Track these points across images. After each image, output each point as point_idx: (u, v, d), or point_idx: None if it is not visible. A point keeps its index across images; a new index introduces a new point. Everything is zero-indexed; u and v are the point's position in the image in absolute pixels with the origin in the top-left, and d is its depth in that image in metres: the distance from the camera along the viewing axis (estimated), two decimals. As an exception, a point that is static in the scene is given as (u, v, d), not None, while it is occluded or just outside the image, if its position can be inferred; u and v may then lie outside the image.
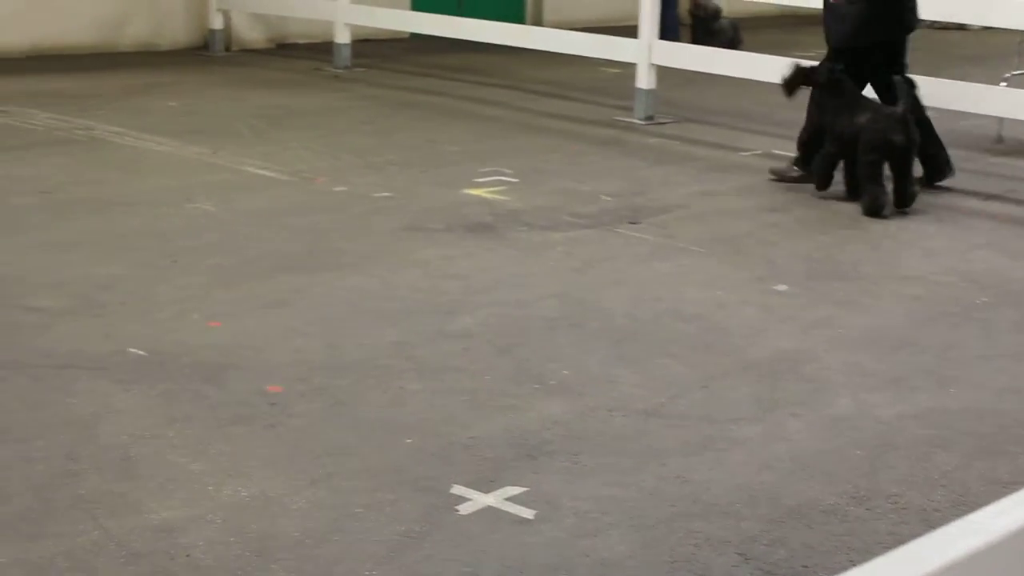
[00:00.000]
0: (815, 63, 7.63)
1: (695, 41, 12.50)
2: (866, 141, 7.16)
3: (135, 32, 13.06)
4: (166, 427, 4.22)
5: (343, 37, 12.14)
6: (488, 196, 7.44)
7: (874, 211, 7.17)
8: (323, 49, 12.70)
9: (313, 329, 5.18)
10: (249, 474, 3.91)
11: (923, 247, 6.70)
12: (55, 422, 4.22)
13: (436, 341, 5.09)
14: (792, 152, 7.98)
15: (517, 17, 15.30)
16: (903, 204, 7.26)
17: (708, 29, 13.39)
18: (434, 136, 9.19)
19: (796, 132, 7.89)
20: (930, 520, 3.78)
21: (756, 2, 13.19)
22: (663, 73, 9.86)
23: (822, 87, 7.52)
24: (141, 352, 4.85)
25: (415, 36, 13.34)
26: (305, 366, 4.78)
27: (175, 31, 13.28)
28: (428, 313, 5.41)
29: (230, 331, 5.12)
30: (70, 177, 7.61)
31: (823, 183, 7.56)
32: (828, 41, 7.75)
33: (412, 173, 7.95)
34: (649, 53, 9.78)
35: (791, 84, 7.66)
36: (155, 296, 5.53)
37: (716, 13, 13.62)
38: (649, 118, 9.84)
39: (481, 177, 7.88)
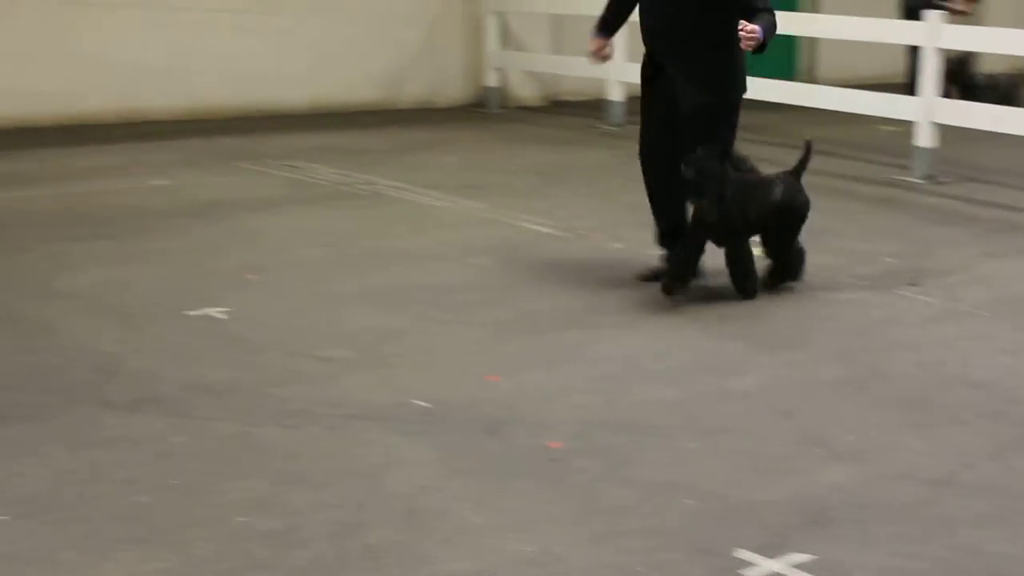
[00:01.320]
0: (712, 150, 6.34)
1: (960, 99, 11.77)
2: (803, 208, 6.88)
3: (413, 90, 13.47)
4: (450, 479, 4.29)
5: (616, 95, 12.24)
6: (763, 254, 7.34)
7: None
8: (596, 106, 12.83)
9: (591, 385, 5.20)
10: (531, 529, 3.94)
11: None
12: (346, 471, 4.34)
13: (715, 401, 5.05)
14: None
15: (787, 73, 15.14)
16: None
17: (970, 84, 12.37)
18: (707, 193, 9.13)
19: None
20: None
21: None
22: (938, 131, 9.61)
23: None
24: (424, 404, 4.96)
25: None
26: (584, 423, 4.80)
27: (452, 89, 13.65)
28: (706, 372, 5.37)
29: (510, 385, 5.19)
30: (354, 230, 7.87)
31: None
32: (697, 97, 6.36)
33: (686, 230, 7.90)
34: (931, 111, 9.54)
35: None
36: (436, 349, 5.65)
37: (964, 60, 11.92)
38: (929, 177, 9.58)
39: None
